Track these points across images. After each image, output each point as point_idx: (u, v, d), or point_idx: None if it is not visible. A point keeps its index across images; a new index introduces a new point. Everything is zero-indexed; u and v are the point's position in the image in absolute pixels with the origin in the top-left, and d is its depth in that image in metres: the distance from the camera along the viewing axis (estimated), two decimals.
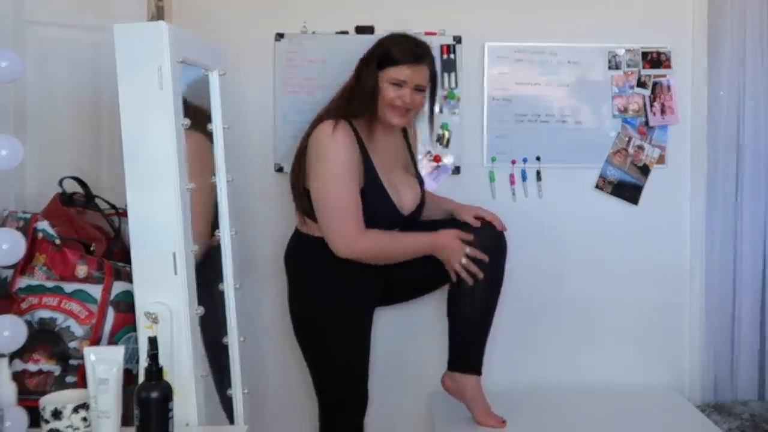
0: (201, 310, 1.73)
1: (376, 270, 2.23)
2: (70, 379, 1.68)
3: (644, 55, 2.70)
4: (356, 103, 2.20)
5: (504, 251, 2.31)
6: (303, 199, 2.21)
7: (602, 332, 2.75)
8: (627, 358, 2.76)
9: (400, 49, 2.20)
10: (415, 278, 2.34)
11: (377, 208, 2.18)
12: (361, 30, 2.65)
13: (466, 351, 2.31)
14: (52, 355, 1.68)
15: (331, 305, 2.24)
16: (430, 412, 2.55)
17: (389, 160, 2.29)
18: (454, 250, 2.19)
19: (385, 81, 2.19)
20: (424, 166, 2.65)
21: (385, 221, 2.21)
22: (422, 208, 2.36)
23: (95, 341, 1.70)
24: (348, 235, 2.11)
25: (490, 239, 2.25)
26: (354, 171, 2.13)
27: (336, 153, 2.11)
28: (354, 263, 2.16)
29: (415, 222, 2.32)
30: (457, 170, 2.69)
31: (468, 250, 2.19)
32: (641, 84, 2.70)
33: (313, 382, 2.32)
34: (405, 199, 2.28)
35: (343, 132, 2.13)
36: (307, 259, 2.27)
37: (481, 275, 2.20)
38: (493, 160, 2.70)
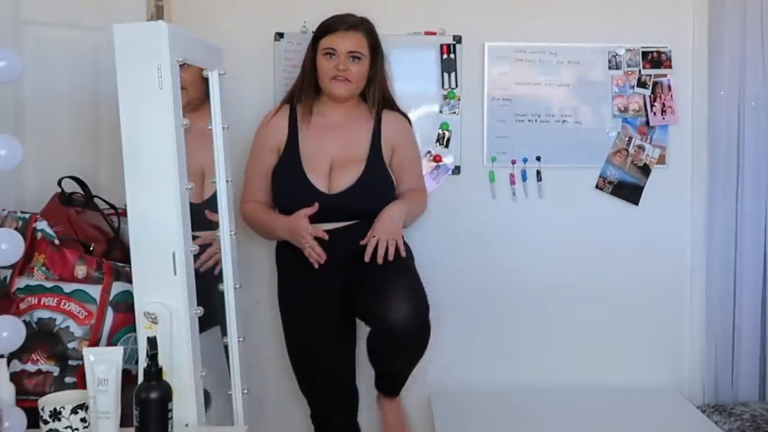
0: (201, 310, 1.72)
1: (334, 269, 2.18)
2: (69, 379, 1.68)
3: (644, 54, 2.70)
4: (299, 85, 2.33)
5: (423, 334, 2.08)
6: None
7: (602, 332, 2.75)
8: (627, 358, 2.76)
9: (330, 20, 2.29)
10: (366, 284, 2.17)
11: (288, 184, 2.24)
12: None
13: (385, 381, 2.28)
14: (51, 355, 1.68)
15: (289, 299, 2.32)
16: (430, 412, 2.55)
17: (325, 141, 2.27)
18: (296, 237, 2.13)
19: (320, 54, 2.26)
20: (424, 166, 2.64)
21: (299, 197, 2.20)
22: (362, 194, 2.22)
23: (94, 341, 1.70)
24: (242, 199, 2.35)
25: (413, 326, 2.03)
26: (266, 149, 2.32)
27: (258, 133, 2.38)
28: (301, 257, 2.18)
29: (352, 207, 2.21)
30: (457, 170, 2.69)
31: (310, 242, 2.11)
32: (641, 84, 2.70)
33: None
34: (332, 179, 2.22)
35: (272, 116, 2.35)
36: (277, 252, 2.38)
37: (323, 259, 2.11)
38: (493, 160, 2.70)
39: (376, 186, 2.26)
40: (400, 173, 2.35)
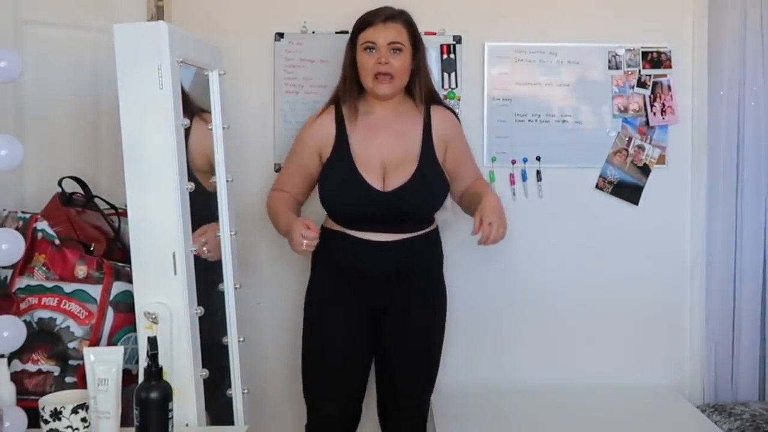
0: (201, 310, 1.72)
1: (374, 280, 2.19)
2: (69, 379, 1.68)
3: (644, 55, 2.70)
4: (343, 86, 2.26)
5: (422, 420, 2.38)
6: None
7: (602, 332, 2.75)
8: (627, 358, 2.76)
9: (368, 13, 2.22)
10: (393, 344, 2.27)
11: (341, 182, 2.17)
12: None
13: None
14: (51, 355, 1.68)
15: (318, 300, 2.27)
16: (431, 412, 2.55)
17: (375, 141, 2.21)
18: (293, 241, 2.06)
19: (360, 49, 2.20)
20: None
21: (353, 195, 2.16)
22: (416, 192, 2.17)
23: (95, 341, 1.70)
24: (272, 186, 2.36)
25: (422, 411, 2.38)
26: (306, 148, 2.26)
27: (301, 131, 2.32)
28: (340, 264, 2.20)
29: (407, 204, 2.17)
30: None
31: (305, 243, 2.03)
32: (641, 84, 2.70)
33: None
34: (387, 178, 2.16)
35: (318, 118, 2.27)
36: (316, 251, 2.25)
37: (310, 249, 2.05)
38: (493, 160, 2.70)
39: (431, 183, 2.21)
40: (459, 167, 2.31)
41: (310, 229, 2.03)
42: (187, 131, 1.77)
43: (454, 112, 2.41)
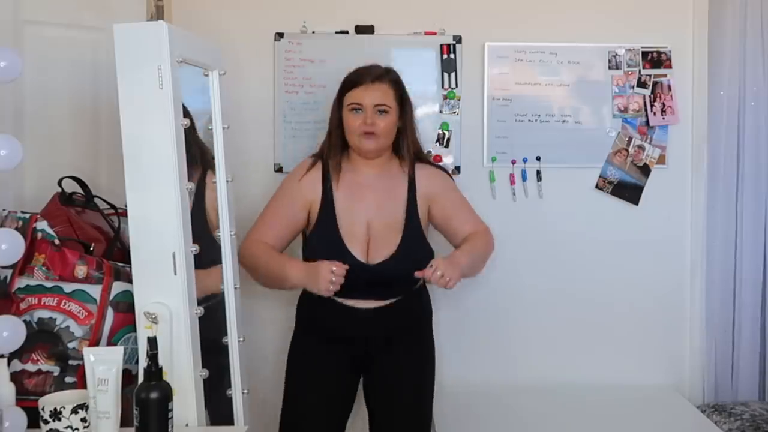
0: (201, 310, 1.72)
1: (357, 343, 2.17)
2: (69, 379, 1.68)
3: (644, 55, 2.70)
4: (329, 142, 2.22)
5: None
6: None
7: (602, 332, 2.75)
8: (627, 358, 2.76)
9: (354, 73, 2.19)
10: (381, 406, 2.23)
11: (327, 254, 2.09)
12: (361, 30, 2.65)
13: None
14: (51, 355, 1.68)
15: (301, 355, 2.25)
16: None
17: (359, 203, 2.17)
18: (318, 276, 2.03)
19: (346, 109, 2.16)
20: None
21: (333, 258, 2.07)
22: (401, 264, 2.13)
23: (94, 341, 1.70)
24: (246, 236, 2.21)
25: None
26: (294, 201, 2.20)
27: (288, 181, 2.26)
28: (324, 330, 2.18)
29: (391, 277, 2.15)
30: (457, 170, 2.69)
31: (333, 280, 2.01)
32: (641, 84, 2.70)
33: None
34: (371, 249, 2.14)
35: (304, 167, 2.23)
36: (299, 307, 2.30)
37: (337, 287, 2.03)
38: (493, 160, 2.70)
39: (415, 255, 2.14)
40: (451, 221, 2.25)
41: (339, 266, 2.02)
42: (202, 187, 1.80)
43: (443, 169, 2.37)
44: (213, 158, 1.98)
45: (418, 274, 2.06)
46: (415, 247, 2.17)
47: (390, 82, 2.17)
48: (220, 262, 1.98)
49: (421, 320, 2.29)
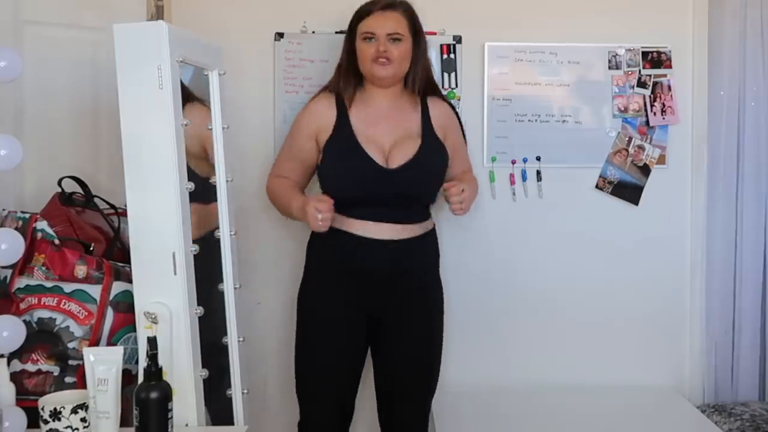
0: (200, 310, 1.72)
1: (372, 276, 2.17)
2: (69, 379, 1.68)
3: (644, 54, 2.69)
4: (341, 75, 2.25)
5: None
6: None
7: (602, 332, 2.75)
8: (627, 358, 2.76)
9: (366, 4, 2.22)
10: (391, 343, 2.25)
11: (345, 159, 2.15)
12: None
13: None
14: (51, 355, 1.68)
15: (313, 295, 2.25)
16: (431, 412, 2.55)
17: (375, 122, 2.20)
18: (306, 217, 2.07)
19: (359, 39, 2.19)
20: None
21: (356, 172, 2.14)
22: (421, 168, 2.17)
23: (94, 341, 1.70)
24: (270, 173, 2.36)
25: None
26: (303, 132, 2.25)
27: (298, 117, 2.32)
28: (336, 264, 2.19)
29: (411, 181, 2.17)
30: None
31: (320, 217, 2.03)
32: (641, 84, 2.69)
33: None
34: (390, 155, 2.15)
35: (316, 101, 2.27)
36: (310, 245, 2.30)
37: (327, 224, 2.05)
38: (493, 160, 2.70)
39: (434, 159, 2.22)
40: (453, 158, 2.31)
41: (322, 201, 2.04)
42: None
43: (451, 105, 2.41)
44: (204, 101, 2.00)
45: (446, 185, 2.16)
46: (434, 152, 2.23)
47: (402, 11, 2.20)
48: (215, 200, 1.99)
49: (430, 264, 2.31)
